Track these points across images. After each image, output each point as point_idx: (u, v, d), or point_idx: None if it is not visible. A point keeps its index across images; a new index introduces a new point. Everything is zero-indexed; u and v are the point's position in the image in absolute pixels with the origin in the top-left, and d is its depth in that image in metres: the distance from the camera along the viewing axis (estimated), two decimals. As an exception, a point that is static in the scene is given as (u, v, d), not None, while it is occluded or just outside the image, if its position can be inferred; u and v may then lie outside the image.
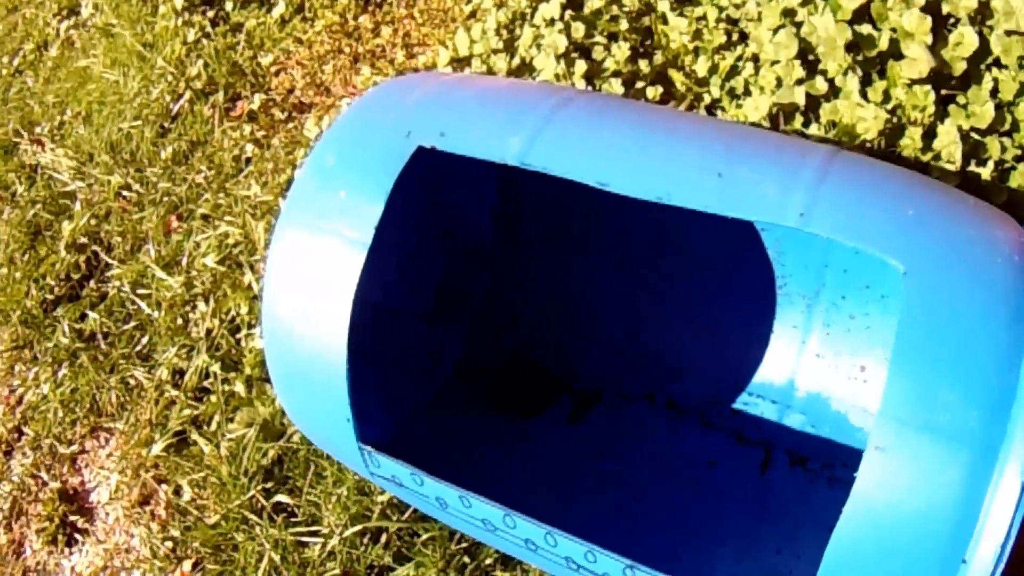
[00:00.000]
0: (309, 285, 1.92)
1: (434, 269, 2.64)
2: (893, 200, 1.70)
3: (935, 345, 1.50)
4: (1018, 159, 2.49)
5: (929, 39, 2.44)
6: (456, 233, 2.66)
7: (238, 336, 2.98)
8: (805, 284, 2.38)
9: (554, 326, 2.68)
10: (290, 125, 3.52)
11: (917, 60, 2.42)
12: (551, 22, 3.01)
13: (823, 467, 2.31)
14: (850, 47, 2.51)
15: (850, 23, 2.53)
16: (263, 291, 2.02)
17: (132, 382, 3.11)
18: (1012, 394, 1.47)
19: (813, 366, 2.39)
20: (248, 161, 3.48)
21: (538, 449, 2.50)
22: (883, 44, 2.49)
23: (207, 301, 3.10)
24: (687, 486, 2.36)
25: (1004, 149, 2.48)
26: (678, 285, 2.54)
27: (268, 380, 2.78)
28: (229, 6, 4.09)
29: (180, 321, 3.12)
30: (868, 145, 2.47)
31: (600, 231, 2.59)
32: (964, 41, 2.45)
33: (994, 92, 2.48)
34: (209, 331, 3.02)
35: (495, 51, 3.07)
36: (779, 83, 2.61)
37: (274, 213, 3.18)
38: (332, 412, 1.91)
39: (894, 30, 2.50)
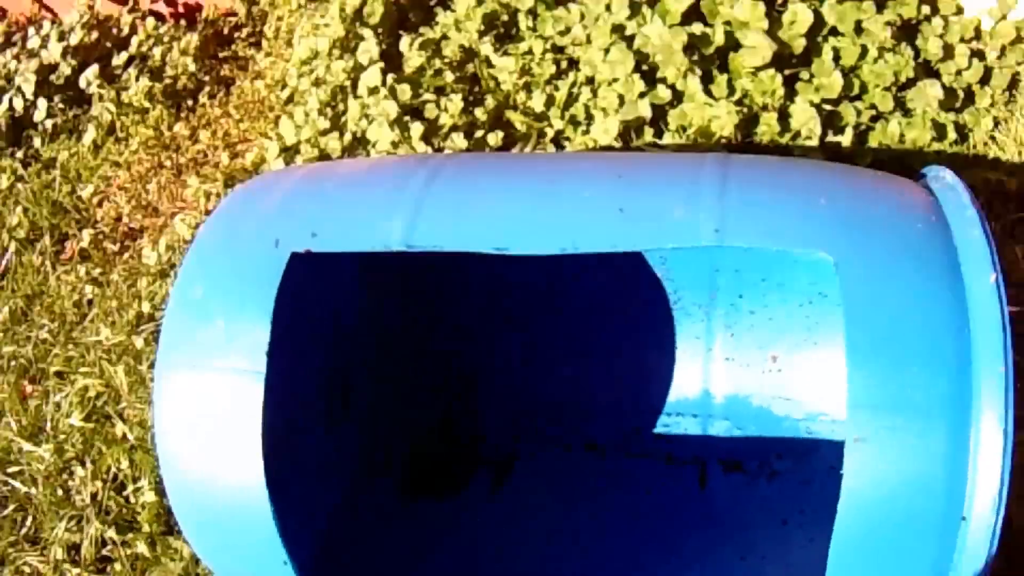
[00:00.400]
0: (209, 430, 1.75)
1: (316, 371, 2.53)
2: (800, 193, 1.70)
3: (885, 326, 1.51)
4: (873, 119, 2.57)
5: (765, 24, 2.49)
6: (328, 329, 2.56)
7: (125, 493, 2.80)
8: (698, 293, 2.38)
9: (453, 400, 2.61)
10: (126, 255, 3.38)
11: (758, 47, 2.47)
12: (375, 90, 2.96)
13: (760, 466, 2.31)
14: (687, 49, 2.54)
15: (682, 25, 2.56)
16: (157, 445, 1.85)
17: (27, 570, 2.90)
18: (968, 351, 1.50)
19: (724, 370, 2.39)
20: (90, 304, 3.30)
21: (467, 527, 2.41)
22: (719, 39, 2.53)
23: (83, 464, 2.90)
24: (629, 521, 2.32)
25: (859, 113, 2.55)
26: (571, 326, 2.51)
27: (171, 533, 2.63)
28: (38, 142, 3.91)
29: (60, 492, 2.91)
30: (724, 141, 2.51)
31: (478, 291, 2.54)
32: (799, 18, 2.51)
33: (837, 61, 2.55)
34: (94, 495, 2.83)
35: (323, 132, 3.00)
36: (621, 101, 2.62)
37: (130, 353, 3.04)
38: (262, 556, 1.76)
39: (728, 23, 2.54)
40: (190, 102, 3.73)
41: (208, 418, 1.76)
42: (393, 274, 2.52)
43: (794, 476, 2.30)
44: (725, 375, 2.39)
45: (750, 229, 1.64)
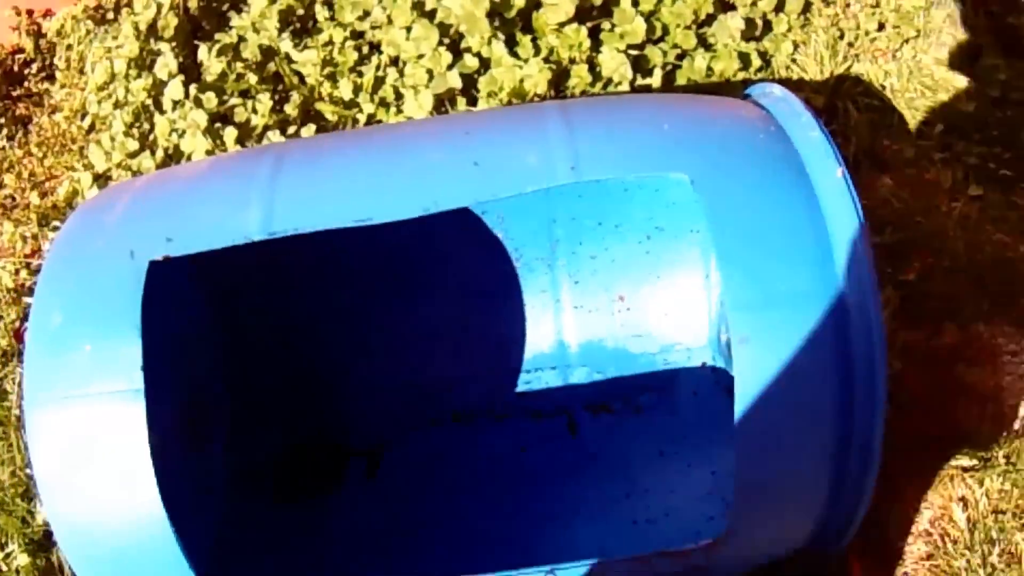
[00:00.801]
0: (94, 460, 1.67)
1: (174, 391, 2.45)
2: (643, 122, 1.77)
3: (749, 231, 1.59)
4: (679, 57, 2.64)
5: (565, -20, 2.54)
6: (179, 346, 2.47)
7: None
8: (539, 247, 2.41)
9: (313, 397, 2.56)
10: (-57, 314, 3.23)
11: (559, 4, 2.51)
12: (180, 103, 2.90)
13: (625, 404, 2.36)
14: (490, 15, 2.56)
15: (482, -8, 2.58)
16: (39, 488, 1.73)
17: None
18: (826, 237, 1.60)
19: (575, 319, 2.42)
20: (-83, 371, 3.16)
21: (350, 519, 2.38)
22: (520, 2, 2.56)
23: (-57, 540, 2.78)
24: (509, 481, 2.33)
25: (664, 54, 2.62)
26: (417, 302, 2.50)
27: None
28: None
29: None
30: (537, 98, 2.54)
31: (320, 284, 2.50)
32: (595, -30, 2.56)
33: (636, 6, 2.60)
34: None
35: (134, 153, 2.92)
36: (431, 75, 2.63)
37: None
38: None
39: (528, -16, 2.58)
40: (-11, 146, 3.59)
41: (91, 449, 1.67)
42: (231, 281, 2.45)
43: (660, 408, 2.36)
44: (576, 323, 2.42)
45: (604, 162, 1.69)
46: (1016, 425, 2.44)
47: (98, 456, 1.66)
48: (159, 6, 3.09)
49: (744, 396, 1.55)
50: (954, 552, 2.25)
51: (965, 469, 2.36)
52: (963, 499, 2.33)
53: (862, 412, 1.60)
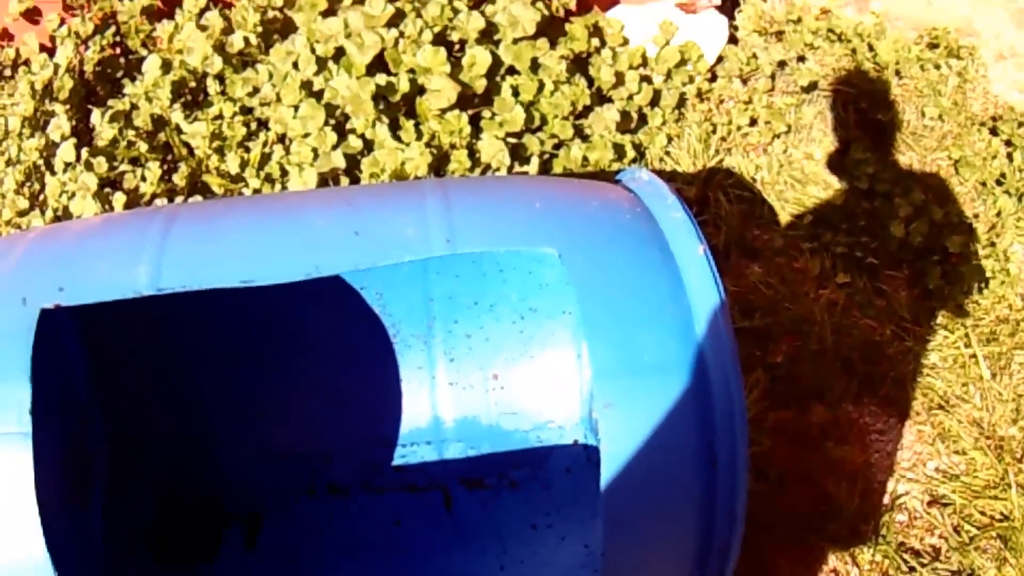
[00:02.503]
0: None
1: (55, 447, 2.40)
2: (516, 201, 1.84)
3: (613, 302, 1.65)
4: (557, 146, 2.73)
5: (447, 68, 2.61)
6: (62, 401, 2.44)
7: None
8: (416, 324, 2.44)
9: (191, 460, 2.53)
10: None
11: (442, 90, 2.58)
12: (71, 165, 2.90)
13: (500, 479, 2.39)
14: (375, 98, 2.62)
15: (368, 76, 2.64)
16: None
17: None
18: (688, 311, 1.67)
19: (450, 395, 2.45)
20: None
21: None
22: (404, 87, 2.62)
23: None
24: (385, 554, 2.35)
25: (542, 142, 2.70)
26: (296, 371, 2.51)
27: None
28: None
29: None
30: (417, 178, 2.59)
31: (201, 349, 2.50)
32: (478, 60, 2.64)
33: (516, 96, 2.68)
34: None
35: (23, 212, 2.90)
36: (315, 154, 2.67)
37: None
38: None
39: (412, 70, 2.64)
40: None
41: None
42: (115, 337, 2.45)
43: (534, 483, 2.39)
44: (452, 399, 2.46)
45: (477, 236, 1.74)
46: (885, 500, 2.56)
47: None
48: (56, 67, 3.10)
49: (609, 460, 1.58)
50: (828, 623, 2.33)
51: (836, 542, 2.46)
52: (835, 571, 2.44)
53: (725, 477, 1.64)
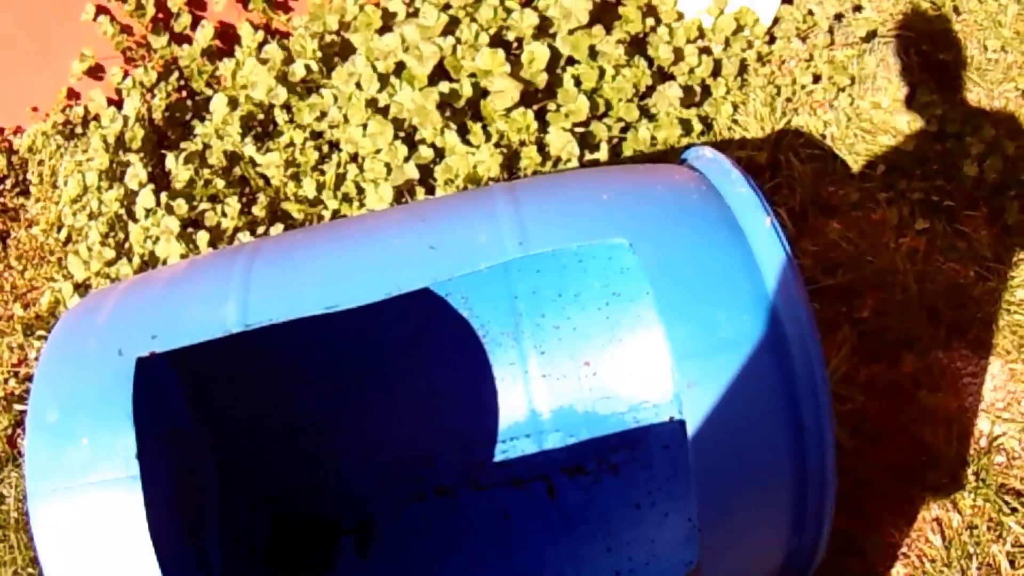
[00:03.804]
0: (97, 546, 1.71)
1: (168, 482, 2.52)
2: (583, 195, 1.88)
3: (686, 284, 1.69)
4: (624, 130, 2.76)
5: (507, 68, 2.65)
6: (171, 438, 2.54)
7: (2, 663, 2.76)
8: (503, 322, 2.50)
9: (299, 480, 2.63)
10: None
11: (505, 90, 2.63)
12: (152, 211, 3.00)
13: (600, 463, 2.44)
14: (440, 107, 2.68)
15: (431, 86, 2.70)
16: None
17: None
18: (761, 283, 1.70)
19: (544, 387, 2.51)
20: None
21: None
22: (467, 92, 2.67)
23: (-52, 647, 2.84)
24: (497, 549, 2.42)
25: (609, 128, 2.73)
26: (390, 383, 2.58)
27: None
28: None
29: None
30: (491, 181, 2.64)
31: (298, 367, 2.57)
32: (536, 56, 2.68)
33: (579, 86, 2.72)
34: (-32, 677, 2.77)
35: (111, 262, 3.02)
36: (389, 169, 2.74)
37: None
38: None
39: (473, 75, 2.69)
40: (-30, 264, 3.68)
41: (94, 535, 1.73)
42: (213, 372, 2.51)
43: (633, 464, 2.44)
44: (546, 391, 2.51)
45: (548, 235, 1.79)
46: (982, 443, 2.55)
47: (102, 544, 1.72)
48: (125, 119, 3.20)
49: (697, 436, 1.62)
50: (933, 571, 2.35)
51: (936, 490, 2.46)
52: (937, 519, 2.43)
53: (812, 441, 1.67)
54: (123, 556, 1.71)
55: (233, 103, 3.02)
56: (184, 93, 3.43)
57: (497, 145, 2.70)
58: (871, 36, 3.30)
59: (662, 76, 3.03)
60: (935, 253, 2.87)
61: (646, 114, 2.94)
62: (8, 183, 3.84)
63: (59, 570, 1.75)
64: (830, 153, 3.10)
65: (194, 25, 3.41)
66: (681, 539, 2.28)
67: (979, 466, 2.51)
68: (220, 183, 2.98)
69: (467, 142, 2.71)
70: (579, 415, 2.49)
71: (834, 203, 3.00)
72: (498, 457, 2.52)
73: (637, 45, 3.03)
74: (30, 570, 2.78)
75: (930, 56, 3.31)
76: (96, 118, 3.54)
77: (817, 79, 3.24)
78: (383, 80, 2.81)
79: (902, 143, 3.10)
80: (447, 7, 2.87)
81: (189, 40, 3.42)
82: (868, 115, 3.17)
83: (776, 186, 3.00)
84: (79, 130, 3.58)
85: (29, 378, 3.18)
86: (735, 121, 3.12)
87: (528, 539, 2.41)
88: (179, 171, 3.03)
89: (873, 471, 2.50)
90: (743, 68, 3.17)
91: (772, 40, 3.27)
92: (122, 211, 3.08)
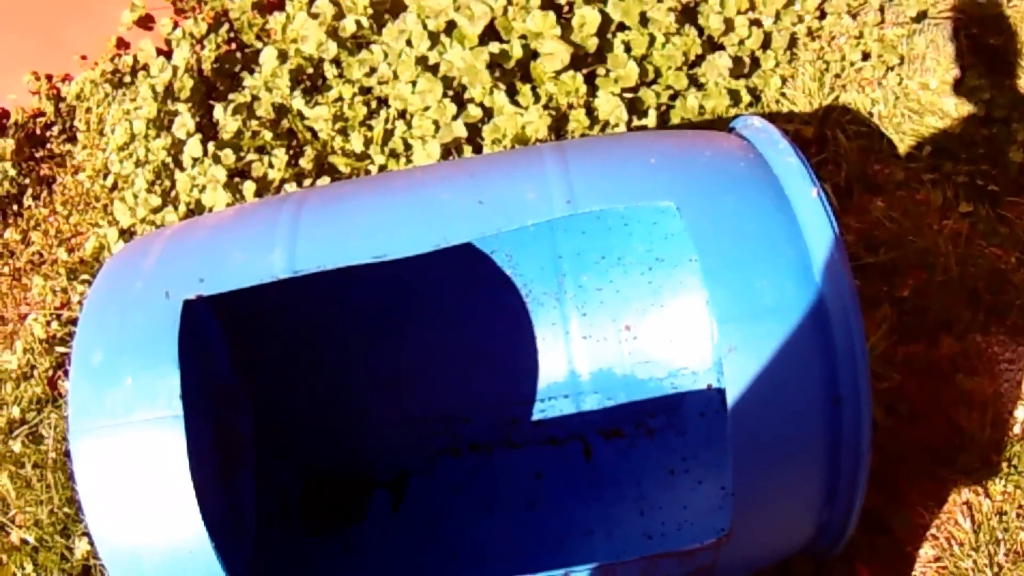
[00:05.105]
0: (137, 484, 1.74)
1: (206, 428, 2.54)
2: (632, 157, 1.89)
3: (731, 249, 1.70)
4: (672, 97, 2.76)
5: (558, 31, 2.66)
6: (210, 385, 2.56)
7: (34, 596, 2.80)
8: (547, 282, 2.51)
9: (335, 430, 2.65)
10: (-22, 367, 3.35)
11: (555, 53, 2.63)
12: (199, 160, 3.02)
13: (636, 427, 2.46)
14: (490, 67, 2.69)
15: (481, 46, 2.71)
16: (86, 515, 1.79)
17: None
18: (805, 252, 1.71)
19: (585, 349, 2.52)
20: (-45, 422, 3.27)
21: (377, 549, 2.47)
22: (517, 53, 2.68)
23: (-22, 582, 2.89)
24: (528, 507, 2.43)
25: (658, 95, 2.73)
26: (431, 339, 2.60)
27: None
28: None
29: (-30, 616, 2.88)
30: (538, 143, 2.65)
31: (337, 319, 2.60)
32: (587, 20, 2.68)
33: (629, 52, 2.72)
34: (6, 609, 2.82)
35: (156, 209, 3.04)
36: (437, 126, 2.75)
37: (10, 460, 3.00)
38: None
39: (523, 36, 2.69)
40: (15, 207, 3.70)
41: (134, 474, 1.75)
42: (256, 323, 2.56)
43: (670, 429, 2.45)
44: (586, 353, 2.53)
45: (596, 195, 1.80)
46: (1016, 429, 2.54)
47: (141, 481, 1.75)
48: (175, 69, 3.22)
49: (736, 402, 1.64)
50: (960, 554, 2.35)
51: (968, 474, 2.46)
52: (967, 503, 2.43)
53: (849, 413, 1.68)
54: (162, 493, 1.73)
55: (283, 56, 3.04)
56: (233, 45, 3.45)
57: (546, 107, 2.70)
58: (921, 17, 3.28)
59: (712, 46, 3.02)
60: (977, 237, 2.86)
61: (695, 83, 2.94)
62: (55, 130, 3.87)
63: (98, 505, 1.77)
64: (877, 131, 3.09)
65: (245, -23, 3.43)
66: (714, 506, 2.29)
67: (1012, 452, 2.50)
68: (268, 135, 3.00)
69: (516, 103, 2.72)
70: (618, 378, 2.50)
71: (879, 181, 2.99)
72: (535, 416, 2.54)
73: (688, 14, 3.02)
74: (66, 509, 2.82)
75: (980, 40, 3.28)
76: (145, 68, 3.56)
77: (866, 57, 3.22)
78: (433, 38, 2.82)
79: (949, 126, 3.08)
80: (499, -33, 2.87)
81: (239, -8, 3.44)
82: (916, 95, 3.16)
83: (822, 161, 2.99)
84: (127, 79, 3.60)
85: (71, 321, 3.21)
86: (783, 94, 3.11)
87: (559, 499, 2.42)
88: (227, 122, 3.04)
89: (906, 450, 2.50)
90: (793, 42, 3.16)
91: (823, 15, 3.25)
92: (169, 160, 3.11)
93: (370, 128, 2.89)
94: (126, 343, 1.82)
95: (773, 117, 3.04)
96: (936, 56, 3.23)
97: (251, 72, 3.28)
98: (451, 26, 2.80)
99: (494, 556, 2.34)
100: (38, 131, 3.89)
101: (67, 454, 2.96)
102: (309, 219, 1.91)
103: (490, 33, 2.78)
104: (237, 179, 2.95)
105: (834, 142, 3.04)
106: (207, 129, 3.19)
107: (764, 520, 1.81)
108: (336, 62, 3.00)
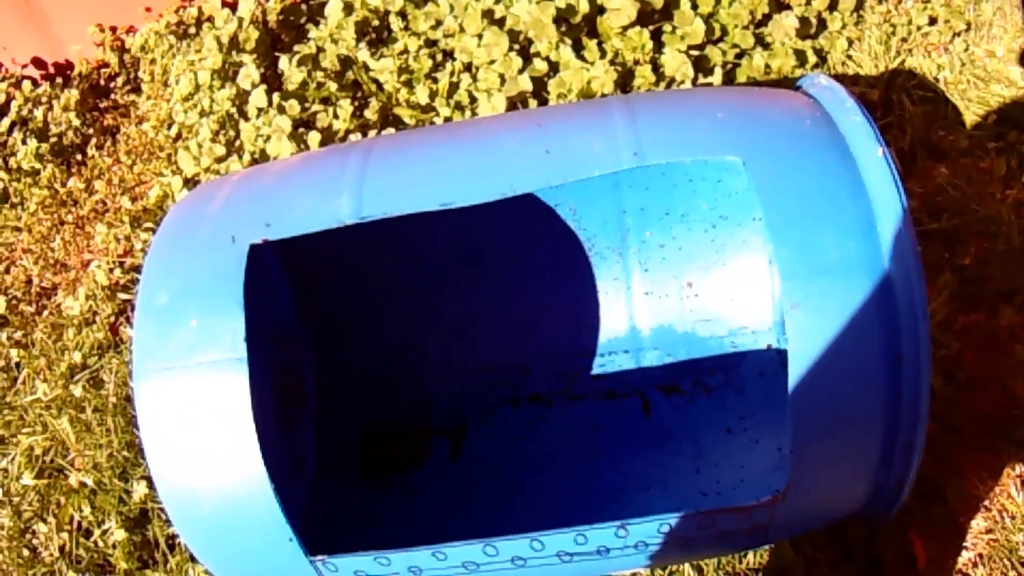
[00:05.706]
0: (199, 426, 1.77)
1: (267, 373, 2.57)
2: (700, 111, 1.89)
3: (796, 206, 1.70)
4: (738, 56, 2.75)
5: (625, -14, 2.66)
6: (271, 331, 2.60)
7: (93, 539, 2.83)
8: (610, 237, 2.52)
9: (395, 378, 2.67)
10: (44, 313, 3.40)
11: (622, 8, 2.63)
12: (264, 110, 3.05)
13: (695, 384, 2.46)
14: (556, 21, 2.69)
15: (548, 0, 2.71)
16: (147, 455, 1.83)
17: (11, 651, 2.89)
18: (870, 211, 1.70)
19: (646, 304, 2.53)
20: (18, 366, 3.32)
21: (435, 495, 2.49)
22: (584, 7, 2.68)
23: (44, 520, 2.93)
24: (585, 459, 2.44)
25: (724, 53, 2.73)
26: (494, 290, 2.62)
27: (147, 566, 2.67)
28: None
29: (27, 552, 2.93)
30: (603, 95, 2.65)
31: (399, 269, 2.62)
32: (655, -24, 2.68)
33: (695, 9, 2.71)
34: (61, 548, 2.84)
35: (221, 158, 3.08)
36: (502, 80, 2.76)
37: (70, 404, 3.06)
38: (268, 542, 1.80)
39: (591, -9, 2.70)
40: (79, 156, 3.76)
41: (196, 415, 1.78)
42: (320, 270, 2.59)
43: (728, 388, 2.45)
44: (647, 308, 2.53)
45: (663, 147, 1.81)
46: (1074, 402, 2.50)
47: (204, 422, 1.78)
48: (240, 20, 3.25)
49: (796, 359, 1.64)
50: (1012, 527, 2.32)
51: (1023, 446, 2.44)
52: (1021, 476, 2.40)
53: (909, 373, 1.68)
54: (223, 436, 1.77)
55: (348, 8, 3.06)
56: (299, -3, 3.47)
57: (612, 62, 2.70)
58: (990, -18, 3.25)
59: (779, 6, 3.00)
60: (1040, 209, 2.84)
61: (761, 42, 2.92)
62: (119, 80, 3.91)
63: (159, 445, 1.81)
64: (942, 97, 3.06)
65: (311, -70, 3.44)
66: (770, 466, 2.29)
67: (1067, 426, 2.48)
68: (333, 86, 3.02)
69: (582, 58, 2.72)
70: (678, 335, 2.51)
71: (943, 148, 2.97)
72: (595, 370, 2.55)
73: (755, -27, 3.01)
74: (125, 453, 2.87)
75: (1048, 9, 3.25)
76: (210, 19, 3.59)
77: (933, 21, 3.19)
78: (500, -8, 2.83)
79: (1015, 95, 3.05)
80: (568, -78, 2.87)
81: (306, -55, 3.45)
82: (982, 62, 3.13)
83: (887, 126, 2.97)
84: (192, 31, 3.64)
85: (134, 268, 3.26)
86: (849, 56, 3.09)
87: (615, 453, 2.43)
88: (292, 73, 3.07)
89: (963, 419, 2.49)
90: (860, 4, 3.14)
91: (890, -21, 3.24)
92: (233, 110, 3.14)
93: (435, 81, 2.91)
94: (191, 285, 1.85)
95: (839, 79, 3.01)
96: (1003, 24, 3.19)
97: (316, 24, 3.30)
98: (519, -20, 2.81)
99: (550, 506, 2.35)
100: (102, 82, 3.95)
101: (128, 399, 3.01)
102: (376, 166, 1.93)
103: (559, -13, 2.78)
104: (302, 129, 2.97)
105: (899, 106, 3.02)
106: (272, 80, 3.21)
107: (820, 480, 1.81)
108: (402, 14, 3.01)
